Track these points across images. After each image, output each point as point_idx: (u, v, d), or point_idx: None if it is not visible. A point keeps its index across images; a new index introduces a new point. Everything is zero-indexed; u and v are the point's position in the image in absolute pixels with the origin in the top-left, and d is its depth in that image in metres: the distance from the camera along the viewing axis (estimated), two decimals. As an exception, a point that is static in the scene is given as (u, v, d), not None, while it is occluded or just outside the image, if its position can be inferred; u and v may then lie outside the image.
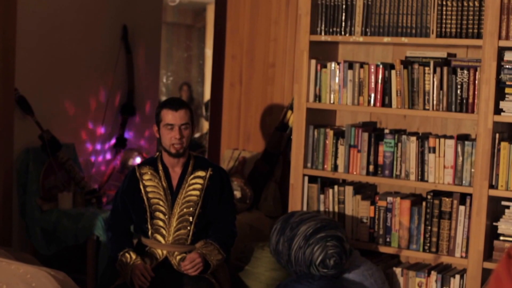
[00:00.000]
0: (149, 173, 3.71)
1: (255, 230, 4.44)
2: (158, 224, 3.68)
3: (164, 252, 3.69)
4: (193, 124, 3.68)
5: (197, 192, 3.69)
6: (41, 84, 4.66)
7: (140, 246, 3.77)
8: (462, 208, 3.84)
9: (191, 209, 3.67)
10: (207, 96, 8.42)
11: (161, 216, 3.68)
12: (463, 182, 3.84)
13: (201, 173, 3.71)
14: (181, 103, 3.67)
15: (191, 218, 3.67)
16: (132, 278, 3.58)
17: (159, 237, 3.69)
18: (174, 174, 3.73)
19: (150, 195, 3.69)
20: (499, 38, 3.68)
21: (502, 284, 2.02)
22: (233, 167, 4.81)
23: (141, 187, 3.70)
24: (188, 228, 3.68)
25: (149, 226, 3.69)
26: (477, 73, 3.77)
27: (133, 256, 3.64)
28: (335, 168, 4.14)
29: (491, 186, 3.76)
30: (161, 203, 3.68)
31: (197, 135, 8.26)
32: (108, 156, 5.23)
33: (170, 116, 3.60)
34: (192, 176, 3.70)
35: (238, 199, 4.59)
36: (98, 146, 5.14)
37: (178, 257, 3.68)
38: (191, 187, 3.69)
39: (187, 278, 3.60)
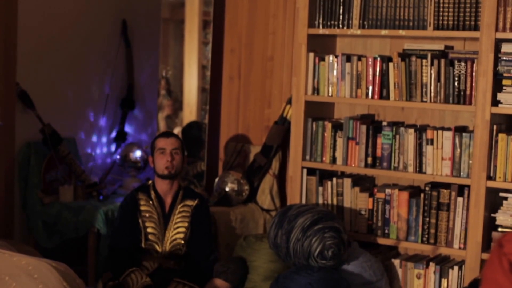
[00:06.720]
0: (143, 199, 3.96)
1: (247, 223, 4.47)
2: (151, 245, 3.91)
3: (156, 264, 3.89)
4: (183, 153, 3.98)
5: (187, 219, 3.94)
6: (42, 78, 4.68)
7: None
8: (460, 199, 3.85)
9: (183, 234, 3.92)
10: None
11: (153, 238, 3.91)
12: (461, 173, 3.86)
13: (189, 202, 3.98)
14: (172, 133, 4.13)
15: (183, 241, 3.93)
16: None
17: (152, 251, 3.93)
18: (166, 203, 3.97)
19: (145, 219, 3.92)
20: (496, 30, 3.69)
21: (494, 274, 2.03)
22: (235, 160, 4.83)
23: (137, 211, 3.93)
24: (182, 247, 3.93)
25: (143, 245, 3.91)
26: (474, 65, 3.79)
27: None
28: (333, 160, 4.16)
29: (489, 178, 3.77)
30: (154, 226, 3.91)
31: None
32: (109, 149, 5.25)
33: (162, 142, 3.96)
34: (181, 204, 3.95)
35: (235, 192, 4.62)
36: (99, 140, 5.16)
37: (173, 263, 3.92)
38: (180, 214, 3.94)
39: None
